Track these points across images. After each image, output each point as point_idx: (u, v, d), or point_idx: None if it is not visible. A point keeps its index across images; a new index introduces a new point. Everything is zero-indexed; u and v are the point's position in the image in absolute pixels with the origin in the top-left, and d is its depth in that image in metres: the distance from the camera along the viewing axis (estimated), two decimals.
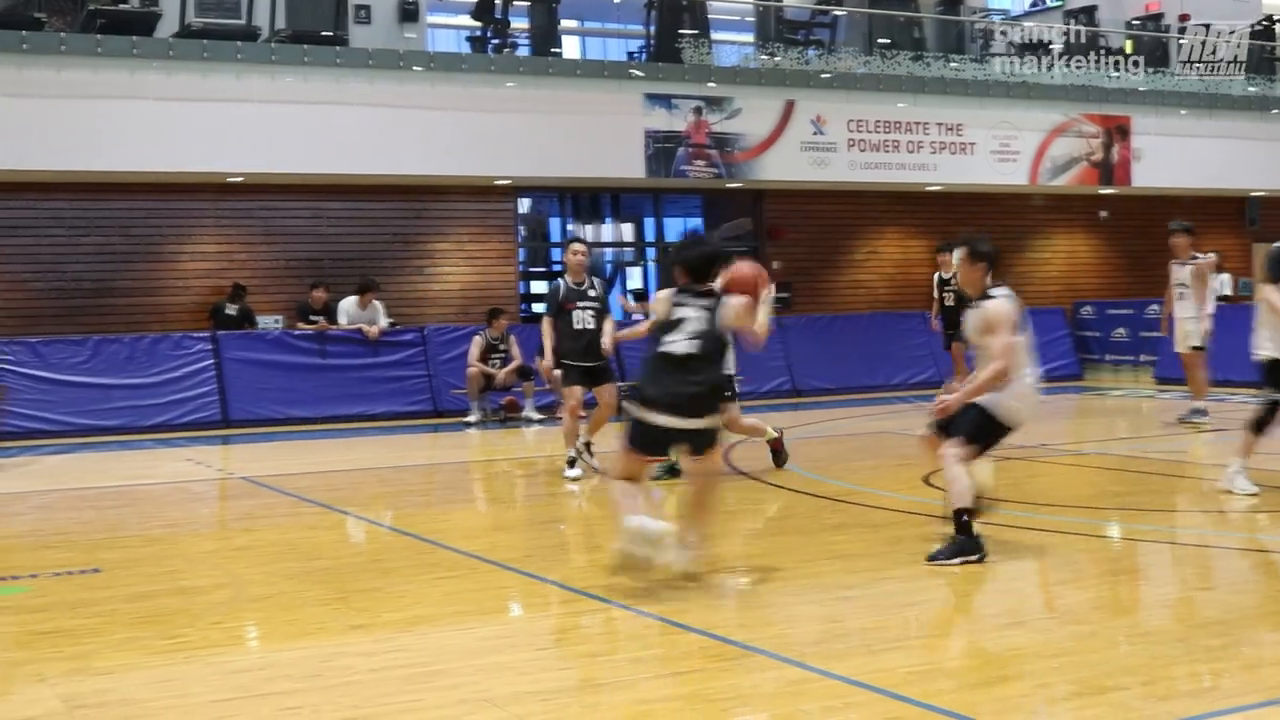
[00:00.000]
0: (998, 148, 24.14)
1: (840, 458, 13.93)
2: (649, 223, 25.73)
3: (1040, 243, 26.63)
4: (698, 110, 21.72)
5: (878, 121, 23.15)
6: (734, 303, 7.96)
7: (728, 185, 22.87)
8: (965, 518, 8.21)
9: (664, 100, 21.55)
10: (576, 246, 12.82)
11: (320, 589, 7.91)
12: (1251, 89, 26.99)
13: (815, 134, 22.59)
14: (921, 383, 21.22)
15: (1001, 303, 8.36)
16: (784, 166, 22.47)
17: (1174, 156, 25.44)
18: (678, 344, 7.75)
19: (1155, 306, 23.11)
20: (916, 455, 13.11)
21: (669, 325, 7.86)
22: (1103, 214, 26.62)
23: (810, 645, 6.55)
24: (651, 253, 25.42)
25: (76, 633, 7.02)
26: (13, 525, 11.35)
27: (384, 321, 19.31)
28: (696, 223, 26.21)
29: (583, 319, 12.31)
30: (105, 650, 6.65)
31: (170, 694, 5.86)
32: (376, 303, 19.42)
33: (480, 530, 10.48)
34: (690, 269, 8.06)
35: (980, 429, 8.32)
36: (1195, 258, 15.76)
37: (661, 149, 21.49)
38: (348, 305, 19.24)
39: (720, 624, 6.84)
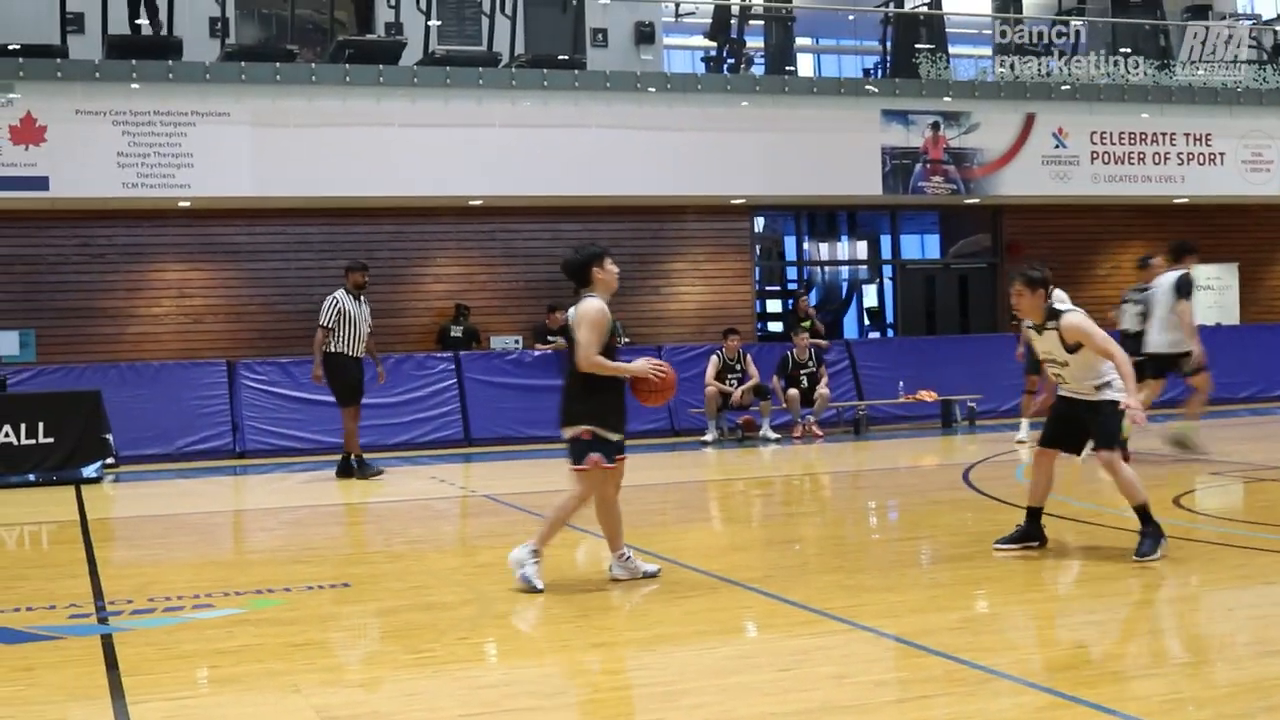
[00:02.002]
0: (1249, 157, 23.32)
1: (1082, 479, 13.58)
2: (885, 240, 25.50)
3: None
4: (935, 125, 21.47)
5: (1121, 133, 22.57)
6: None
7: (966, 201, 22.54)
8: (1147, 509, 8.71)
9: (901, 116, 21.36)
10: None
11: (562, 606, 7.99)
12: None
13: (1056, 147, 22.15)
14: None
15: (1074, 313, 8.81)
16: (1024, 181, 22.07)
17: None
18: None
19: None
20: (1164, 477, 12.76)
21: None
22: None
23: (1059, 670, 6.38)
24: (888, 270, 25.16)
25: (328, 645, 7.22)
26: (266, 540, 11.74)
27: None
28: (933, 239, 25.89)
29: None
30: (356, 663, 6.82)
31: (418, 707, 5.97)
32: None
33: (719, 550, 10.47)
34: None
35: (1118, 427, 8.89)
36: None
37: (898, 165, 21.30)
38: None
39: (963, 647, 6.70)
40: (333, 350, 15.14)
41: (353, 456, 15.30)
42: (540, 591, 8.19)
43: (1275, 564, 9.12)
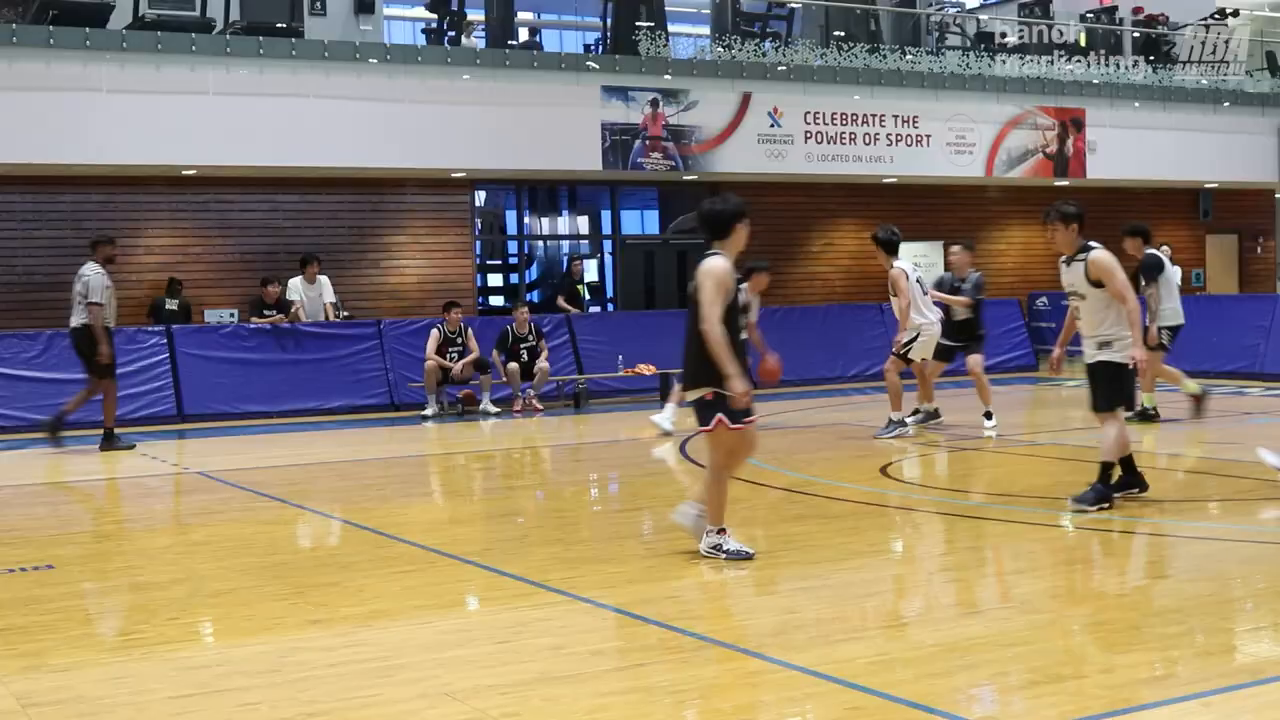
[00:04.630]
0: (953, 140, 24.23)
1: (798, 449, 13.95)
2: (605, 215, 25.72)
3: (995, 234, 26.75)
4: (654, 103, 21.72)
5: (834, 114, 23.19)
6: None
7: (684, 178, 22.87)
8: (1110, 472, 9.38)
9: (621, 93, 21.54)
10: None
11: (277, 584, 7.88)
12: (1204, 82, 27.17)
13: (771, 126, 22.62)
14: (877, 374, 21.24)
15: (1104, 251, 9.43)
16: (740, 159, 22.50)
17: (1128, 149, 25.61)
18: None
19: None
20: (873, 446, 13.19)
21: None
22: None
23: (769, 636, 6.57)
24: (608, 245, 25.39)
25: (31, 630, 6.97)
26: None
27: (331, 297, 19.36)
28: (653, 215, 26.21)
29: None
30: (60, 647, 6.60)
31: (126, 691, 5.82)
32: (322, 278, 19.43)
33: (439, 524, 10.46)
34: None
35: (1116, 391, 9.49)
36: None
37: (618, 141, 21.48)
38: (296, 284, 19.26)
39: (679, 616, 6.84)
40: (90, 324, 15.04)
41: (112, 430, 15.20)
42: (750, 557, 8.04)
43: (973, 528, 9.53)
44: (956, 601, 7.39)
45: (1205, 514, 9.81)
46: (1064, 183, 25.61)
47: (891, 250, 14.47)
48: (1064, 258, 9.69)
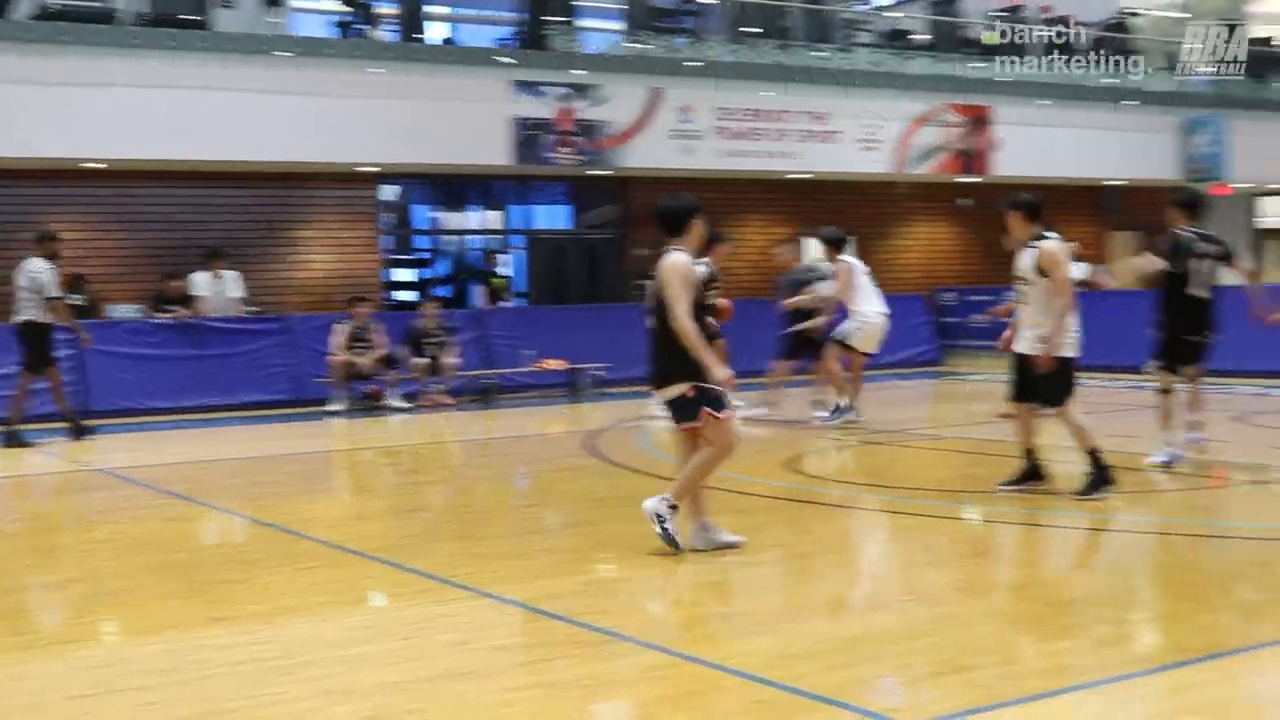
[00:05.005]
0: (862, 136, 24.39)
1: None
2: (516, 210, 25.64)
3: (903, 230, 26.96)
4: (565, 97, 21.67)
5: (744, 109, 23.26)
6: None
7: (594, 173, 22.86)
8: (1098, 455, 9.58)
9: (531, 87, 21.48)
10: None
11: (180, 582, 7.79)
12: (1107, 80, 27.53)
13: (682, 121, 22.65)
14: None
15: (1055, 242, 9.64)
16: (650, 154, 22.50)
17: (1033, 146, 25.88)
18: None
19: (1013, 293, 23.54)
20: (783, 441, 13.24)
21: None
22: (962, 201, 26.99)
23: (675, 630, 6.59)
24: (519, 240, 25.32)
25: None
26: None
27: (238, 292, 19.18)
28: (564, 210, 26.18)
29: None
30: None
31: (23, 691, 5.74)
32: (229, 272, 19.24)
33: (344, 520, 10.38)
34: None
35: (1066, 382, 9.63)
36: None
37: (529, 136, 21.41)
38: (200, 279, 19.07)
39: (584, 610, 6.84)
40: (39, 320, 15.30)
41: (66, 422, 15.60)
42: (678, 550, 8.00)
43: (887, 523, 9.61)
44: (861, 594, 7.45)
45: (1107, 507, 9.94)
46: (970, 179, 25.86)
47: (838, 247, 15.00)
48: (1020, 244, 9.86)
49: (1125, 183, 28.34)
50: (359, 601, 7.49)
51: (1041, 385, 9.67)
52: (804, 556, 8.22)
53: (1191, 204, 11.45)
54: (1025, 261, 9.71)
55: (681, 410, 8.03)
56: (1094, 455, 9.64)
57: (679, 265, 7.94)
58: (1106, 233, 29.54)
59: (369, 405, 18.34)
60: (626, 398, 17.73)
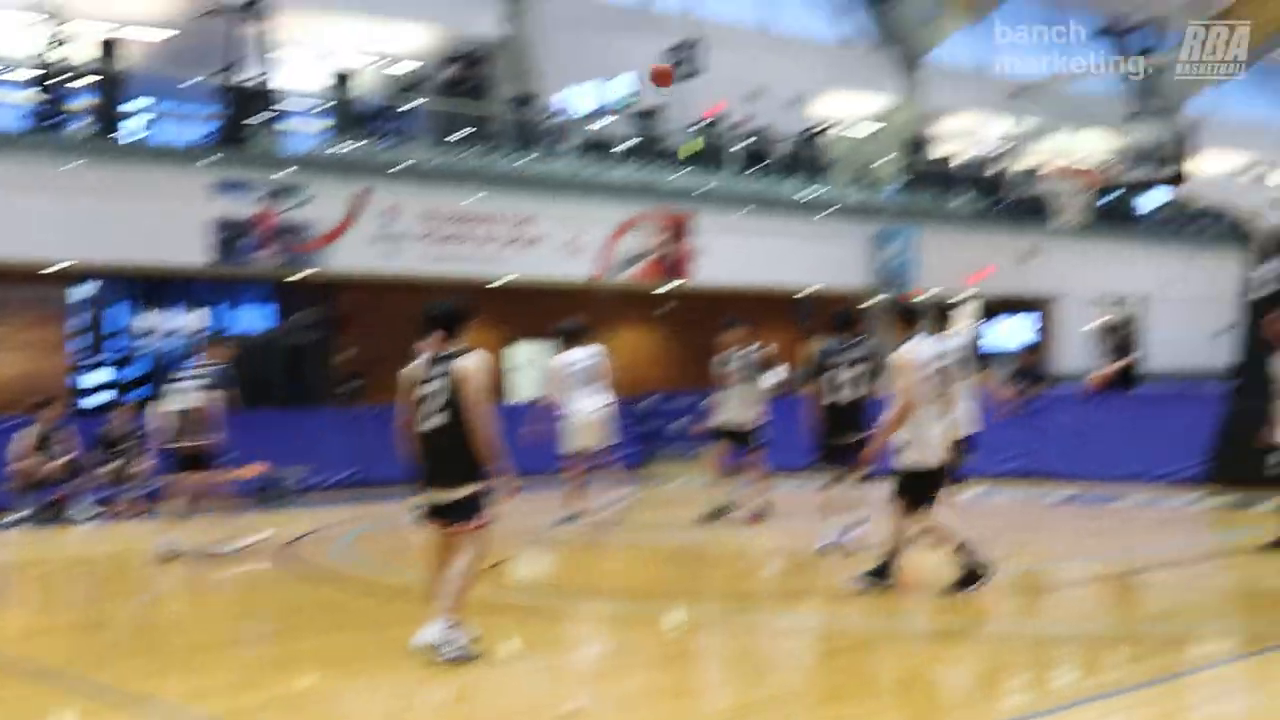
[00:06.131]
0: (566, 241, 24.68)
1: (404, 548, 13.78)
2: (218, 311, 25.09)
3: (607, 336, 27.20)
4: (267, 198, 21.38)
5: (450, 213, 23.32)
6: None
7: (297, 274, 22.56)
8: (960, 551, 9.66)
9: (232, 187, 21.15)
10: None
11: None
12: (802, 193, 28.56)
13: (387, 224, 22.58)
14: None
15: (902, 351, 9.69)
16: (355, 256, 22.36)
17: (733, 254, 26.59)
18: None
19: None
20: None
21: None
22: (664, 309, 27.51)
23: None
24: None
25: None
26: None
27: None
28: (268, 311, 25.74)
29: None
30: None
31: None
32: None
33: (25, 635, 9.87)
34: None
35: (905, 487, 9.71)
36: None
37: (230, 236, 21.04)
38: None
39: None
40: None
41: None
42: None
43: (553, 626, 9.60)
44: (565, 701, 7.42)
45: (806, 605, 10.13)
46: (673, 285, 26.38)
47: (572, 341, 15.22)
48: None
49: (819, 291, 29.31)
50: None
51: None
52: (506, 663, 8.13)
53: (843, 319, 12.33)
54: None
55: (461, 511, 7.95)
56: (959, 553, 9.74)
57: (483, 364, 8.00)
58: (801, 340, 30.43)
59: (55, 513, 17.54)
60: (328, 504, 17.37)
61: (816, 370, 12.17)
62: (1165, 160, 27.75)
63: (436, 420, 7.95)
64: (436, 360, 8.06)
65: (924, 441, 9.63)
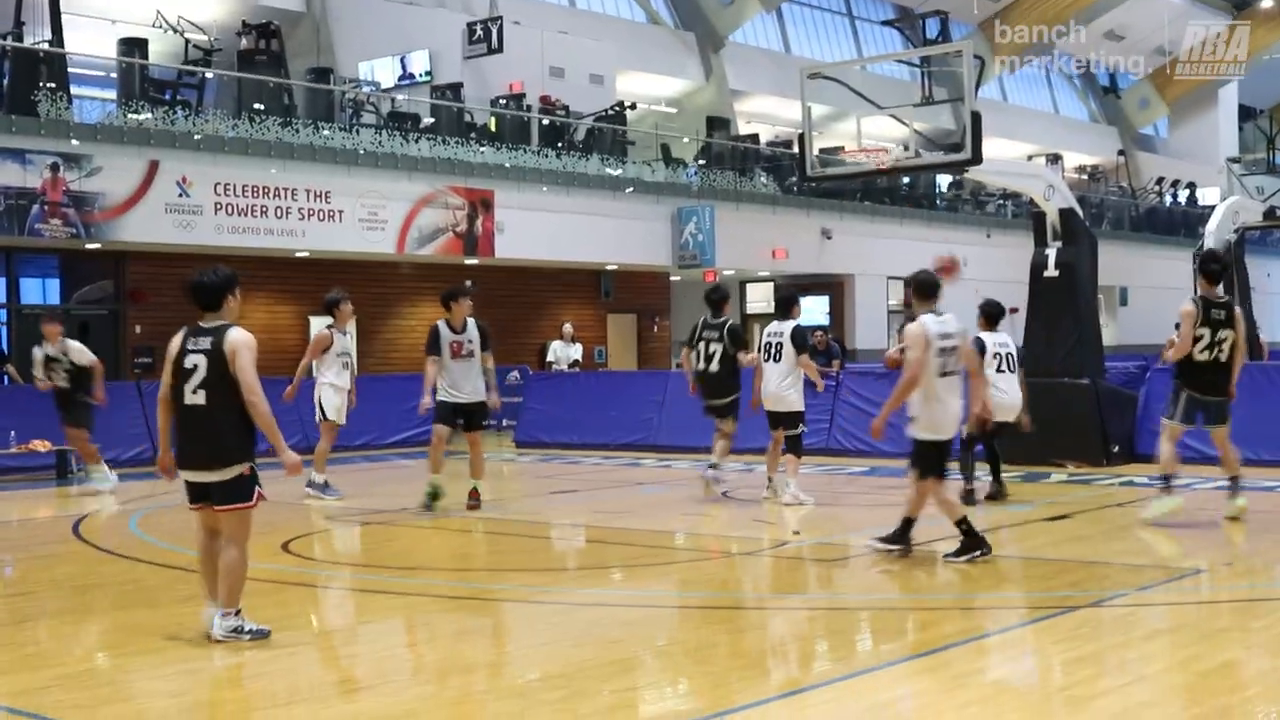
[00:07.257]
0: (366, 216, 24.46)
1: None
2: (2, 283, 24.35)
3: (407, 310, 27.14)
4: (54, 167, 20.79)
5: (245, 186, 22.94)
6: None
7: (86, 246, 21.99)
8: (965, 525, 9.93)
9: (17, 155, 20.51)
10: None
11: None
12: (605, 169, 28.69)
13: (180, 196, 22.12)
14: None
15: (913, 324, 9.95)
16: (147, 228, 21.88)
17: (534, 230, 26.62)
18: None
19: (516, 373, 24.06)
20: (284, 521, 12.99)
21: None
22: (468, 284, 27.42)
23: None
24: (2, 315, 24.02)
25: None
26: None
27: None
28: (54, 284, 25.06)
29: None
30: None
31: None
32: None
33: None
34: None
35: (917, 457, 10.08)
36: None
37: (14, 206, 20.41)
38: None
39: (56, 706, 6.52)
40: None
41: None
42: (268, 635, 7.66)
43: (383, 603, 9.58)
44: (346, 678, 7.40)
45: (596, 580, 10.24)
46: (473, 261, 26.32)
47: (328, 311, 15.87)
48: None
49: (619, 267, 29.53)
50: None
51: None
52: (292, 642, 8.07)
53: (712, 295, 14.13)
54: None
55: (234, 491, 7.76)
56: (960, 526, 9.97)
57: (250, 339, 7.76)
58: (606, 315, 30.67)
59: None
60: (121, 480, 16.97)
61: (689, 342, 14.11)
62: (956, 146, 28.51)
63: (196, 397, 7.76)
64: (196, 333, 7.82)
65: (933, 414, 9.96)
